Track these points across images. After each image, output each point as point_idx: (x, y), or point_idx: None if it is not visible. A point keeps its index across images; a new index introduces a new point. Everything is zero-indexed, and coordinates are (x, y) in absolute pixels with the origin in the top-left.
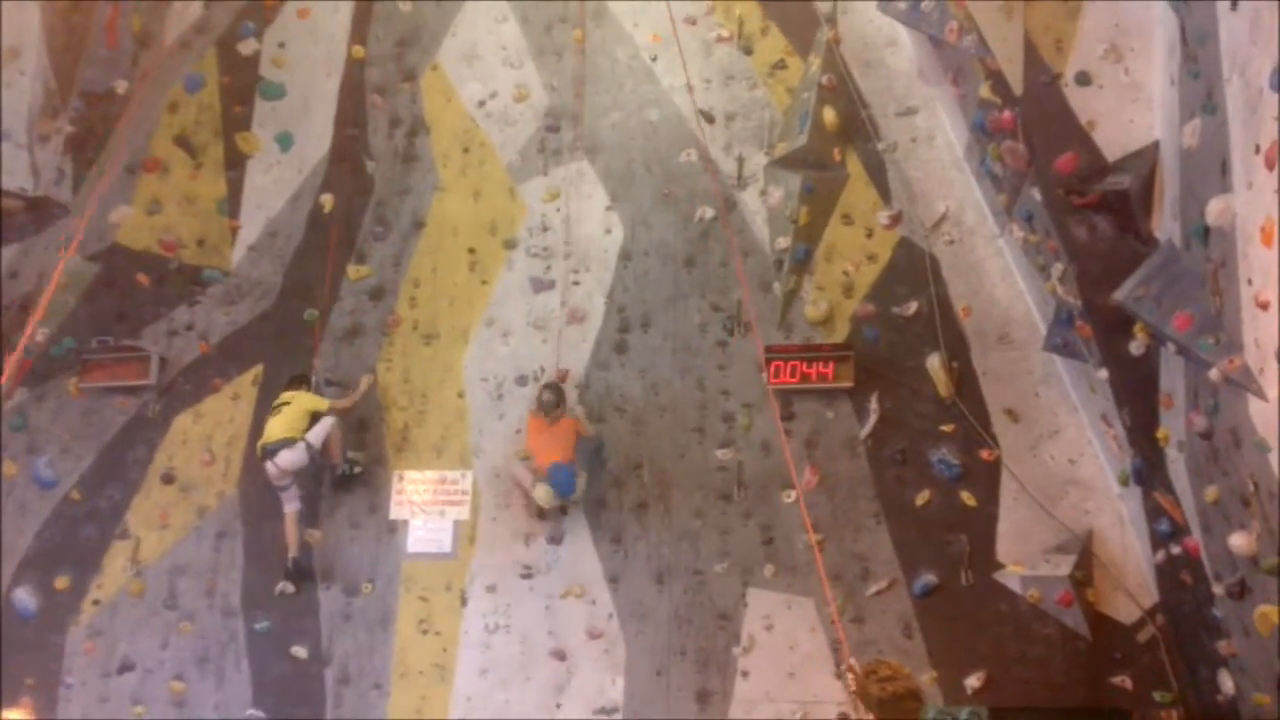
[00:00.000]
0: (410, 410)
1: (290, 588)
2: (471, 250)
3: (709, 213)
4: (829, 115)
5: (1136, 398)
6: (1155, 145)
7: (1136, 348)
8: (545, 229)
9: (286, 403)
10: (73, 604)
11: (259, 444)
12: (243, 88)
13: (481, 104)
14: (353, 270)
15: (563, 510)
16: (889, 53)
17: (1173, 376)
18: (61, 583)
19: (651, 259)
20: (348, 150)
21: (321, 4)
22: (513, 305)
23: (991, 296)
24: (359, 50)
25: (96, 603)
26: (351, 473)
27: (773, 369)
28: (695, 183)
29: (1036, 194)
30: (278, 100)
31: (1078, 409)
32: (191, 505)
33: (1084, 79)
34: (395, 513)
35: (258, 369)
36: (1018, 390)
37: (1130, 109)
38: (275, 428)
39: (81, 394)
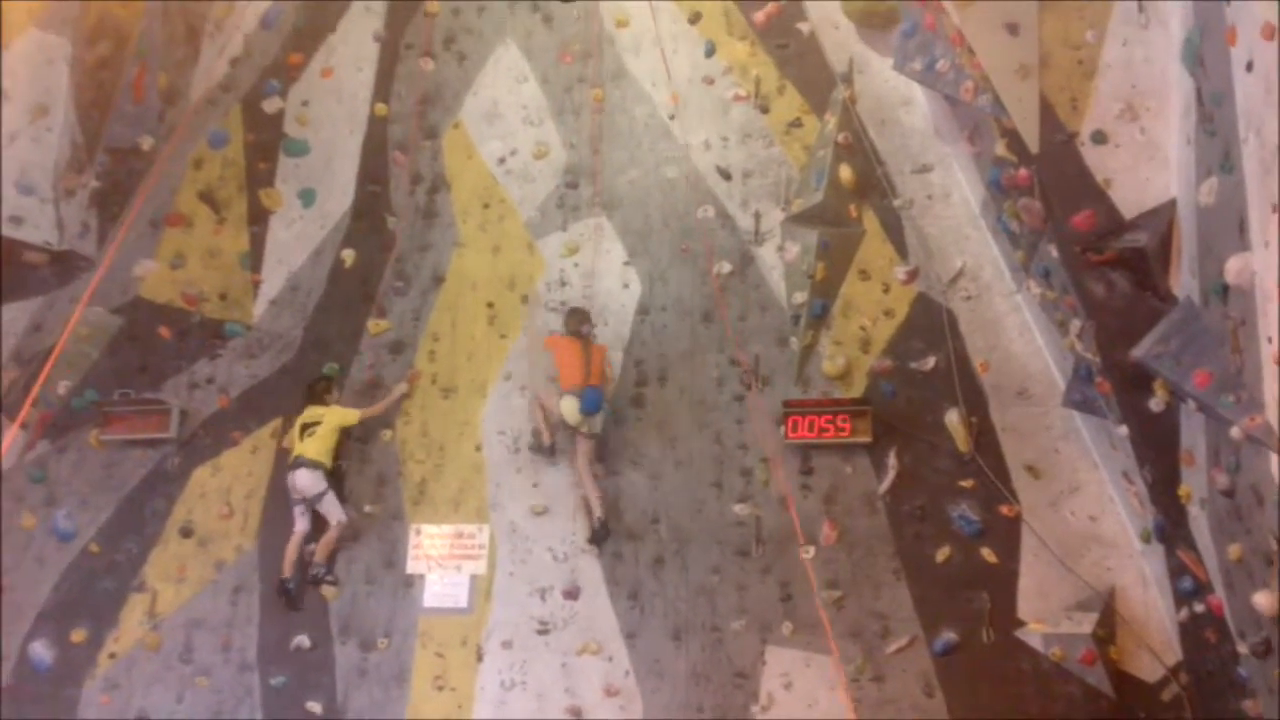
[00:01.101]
0: (428, 464)
1: (306, 642)
2: (490, 305)
3: (726, 267)
4: (845, 172)
5: (1157, 455)
6: (1172, 203)
7: (1156, 404)
8: (564, 284)
9: (317, 422)
10: (89, 657)
11: (291, 456)
12: (267, 144)
13: (502, 161)
14: (373, 325)
15: (552, 450)
16: (904, 111)
17: (1194, 433)
18: (78, 636)
19: (669, 314)
20: (369, 206)
21: (345, 63)
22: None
23: (1009, 352)
24: (382, 108)
25: (112, 656)
26: (321, 579)
27: (790, 424)
28: (712, 238)
29: (1053, 251)
30: (301, 157)
31: (1098, 465)
32: (209, 559)
33: (1100, 138)
34: (412, 567)
35: (277, 422)
36: (1037, 446)
37: (1146, 167)
38: (307, 449)
39: (102, 446)
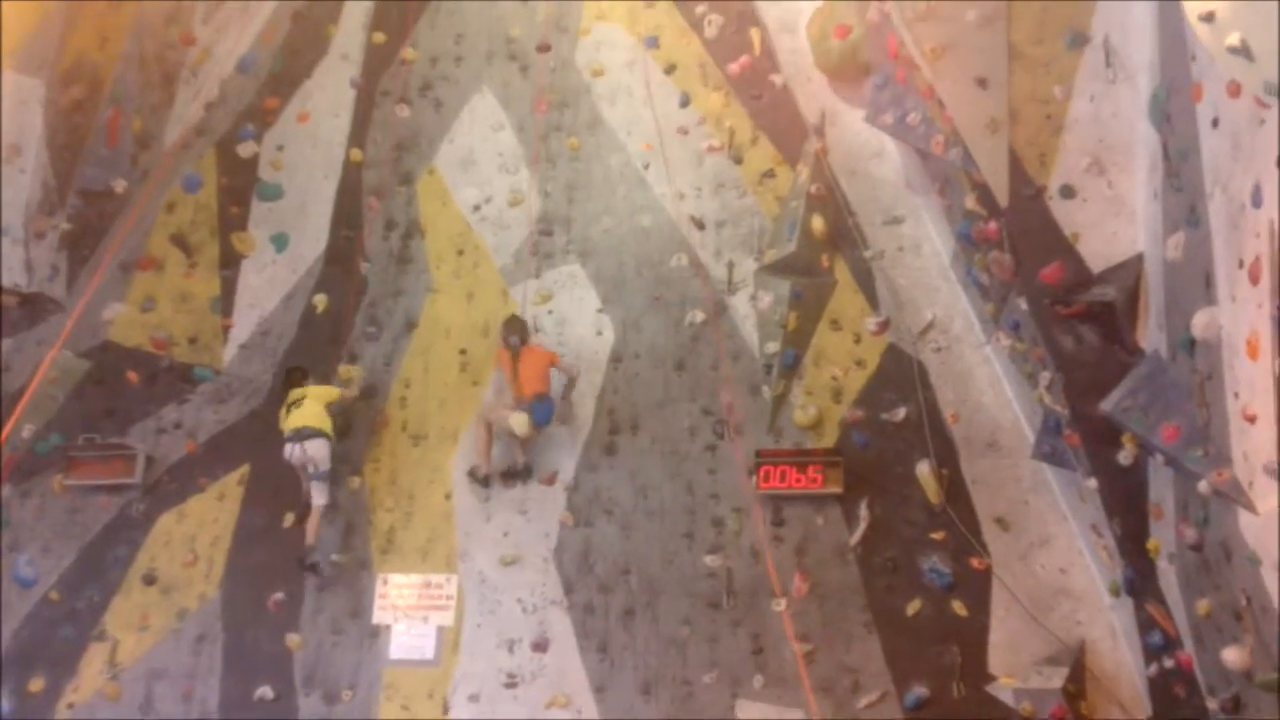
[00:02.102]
0: (397, 512)
1: (270, 693)
2: (463, 351)
3: (699, 316)
4: (817, 223)
5: (1126, 508)
6: (1139, 257)
7: (1125, 458)
8: (537, 330)
9: (302, 398)
10: (47, 707)
11: (288, 429)
12: (240, 189)
13: (477, 208)
14: (344, 370)
15: (486, 482)
16: (875, 163)
17: (1162, 487)
18: (36, 685)
19: (642, 361)
20: (343, 251)
21: (321, 109)
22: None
23: (980, 404)
24: (357, 154)
25: (71, 705)
26: (314, 563)
27: (763, 473)
28: (686, 287)
29: (1023, 303)
30: (275, 201)
31: (1068, 518)
32: (172, 607)
33: (1068, 192)
34: (378, 617)
35: (244, 469)
36: (1007, 498)
37: (1114, 222)
38: (303, 418)
39: (66, 491)
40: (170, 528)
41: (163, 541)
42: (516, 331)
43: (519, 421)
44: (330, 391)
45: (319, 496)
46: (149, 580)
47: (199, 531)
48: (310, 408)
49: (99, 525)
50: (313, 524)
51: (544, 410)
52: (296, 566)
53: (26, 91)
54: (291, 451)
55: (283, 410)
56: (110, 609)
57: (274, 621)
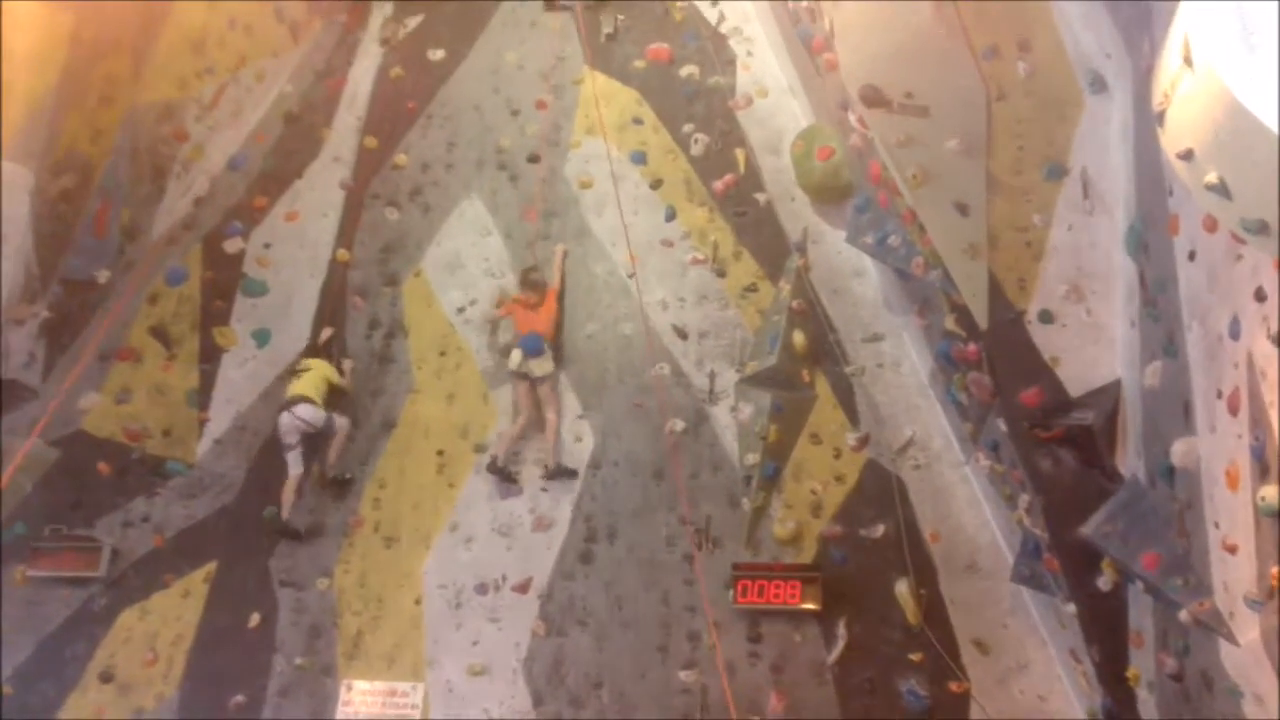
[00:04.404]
0: (364, 615)
1: None
2: (441, 452)
3: (680, 425)
4: (798, 338)
5: (1106, 634)
6: (1118, 383)
7: (1105, 583)
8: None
9: (308, 368)
10: None
11: (287, 395)
12: (225, 283)
13: (461, 310)
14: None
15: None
16: (856, 281)
17: (1142, 614)
18: None
19: (621, 469)
20: (324, 348)
21: (310, 209)
22: (478, 510)
23: (959, 523)
24: (344, 254)
25: None
26: (344, 478)
27: (740, 587)
28: (667, 395)
29: (1002, 425)
30: (259, 297)
31: (1046, 643)
32: (128, 706)
33: (1047, 317)
34: None
35: (211, 566)
36: (986, 621)
37: (1092, 348)
38: (300, 386)
39: (26, 583)
40: (132, 624)
41: (123, 638)
42: (534, 284)
43: (514, 357)
44: (335, 373)
45: (295, 466)
46: (106, 678)
47: (161, 629)
48: (311, 379)
49: (59, 619)
50: (288, 491)
51: (530, 342)
52: (276, 535)
53: (16, 179)
54: (283, 420)
55: (291, 377)
56: (65, 706)
57: None
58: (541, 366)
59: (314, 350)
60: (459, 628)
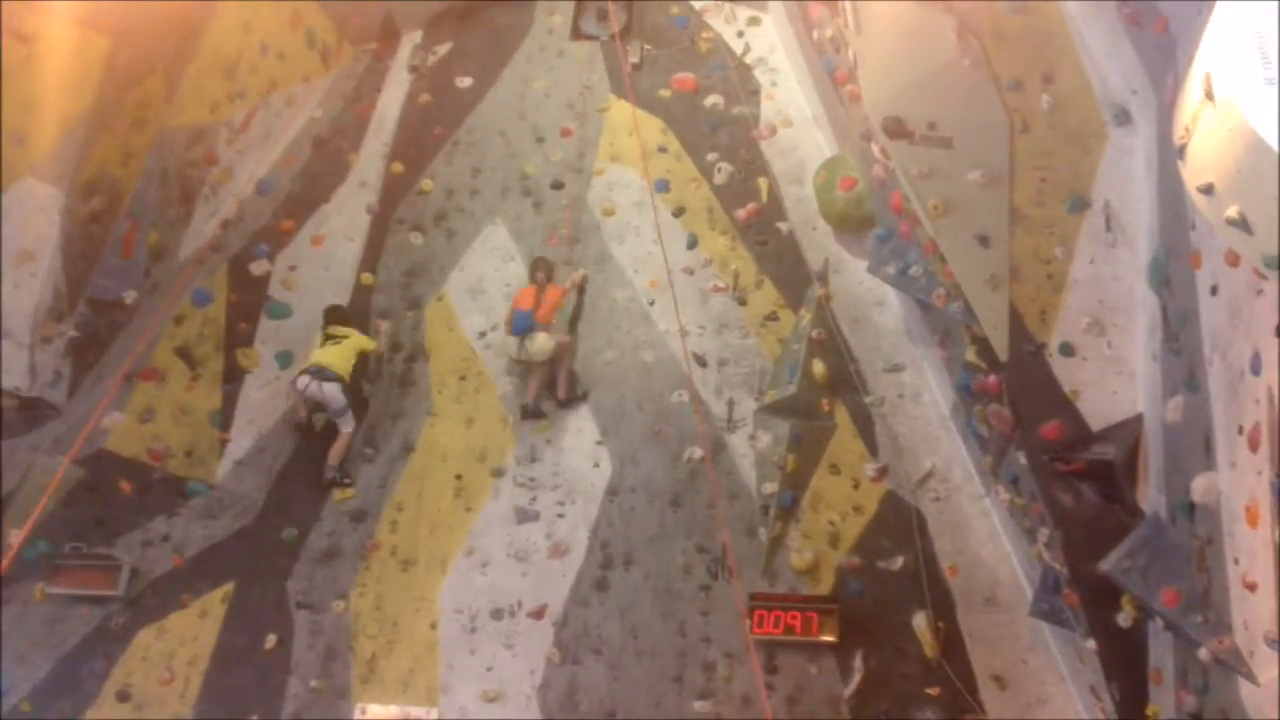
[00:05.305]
0: (380, 639)
1: None
2: (459, 477)
3: (698, 453)
4: (818, 367)
5: (1125, 671)
6: (1139, 418)
7: (1124, 620)
8: (534, 460)
9: (343, 336)
10: None
11: (312, 360)
12: (250, 305)
13: (482, 335)
14: (338, 491)
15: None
16: (877, 312)
17: (1162, 651)
18: None
19: (638, 496)
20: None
21: (336, 233)
22: (494, 535)
23: (978, 556)
24: (368, 277)
25: None
26: (340, 481)
27: (757, 618)
28: (685, 423)
29: (1022, 458)
30: (283, 319)
31: (1065, 679)
32: None
33: (1068, 350)
34: None
35: (228, 586)
36: (1004, 655)
37: (1113, 381)
38: (329, 355)
39: (46, 600)
40: (149, 643)
41: (140, 657)
42: (544, 269)
43: (511, 346)
44: (369, 343)
45: (345, 425)
46: (123, 696)
47: (178, 649)
48: (343, 349)
49: (77, 636)
50: (339, 447)
51: (516, 319)
52: (323, 488)
53: (46, 200)
54: (306, 385)
55: (319, 338)
56: None
57: None
58: (540, 350)
59: (335, 317)
60: (474, 653)
